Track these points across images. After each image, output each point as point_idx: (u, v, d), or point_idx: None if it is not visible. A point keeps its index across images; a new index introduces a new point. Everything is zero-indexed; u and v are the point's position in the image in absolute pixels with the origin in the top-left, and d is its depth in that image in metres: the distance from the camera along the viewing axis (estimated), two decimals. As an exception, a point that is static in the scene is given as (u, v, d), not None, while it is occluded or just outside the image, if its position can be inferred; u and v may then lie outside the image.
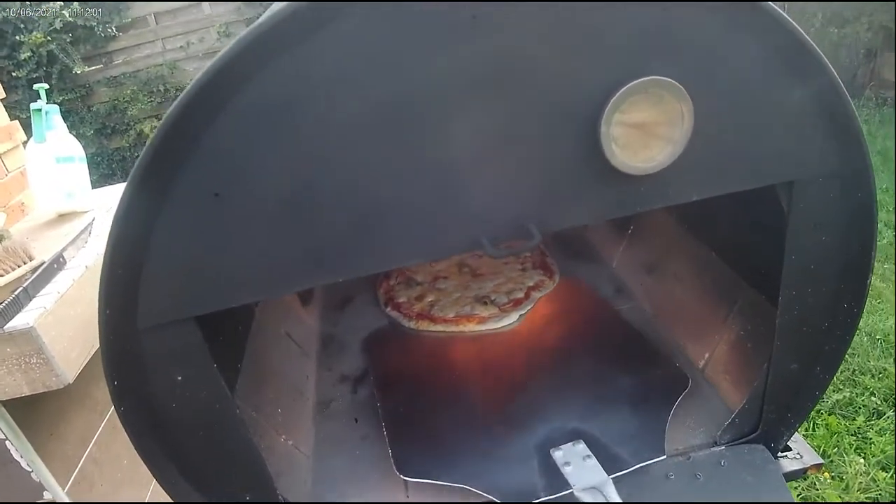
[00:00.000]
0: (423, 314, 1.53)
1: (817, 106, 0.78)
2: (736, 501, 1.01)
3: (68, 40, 5.67)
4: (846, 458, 2.35)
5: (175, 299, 0.74)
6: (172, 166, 0.68)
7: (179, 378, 0.81)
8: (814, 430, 2.53)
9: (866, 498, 2.24)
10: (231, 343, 1.08)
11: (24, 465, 1.83)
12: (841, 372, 2.79)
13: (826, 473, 2.39)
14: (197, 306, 0.74)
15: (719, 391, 1.18)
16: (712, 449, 1.08)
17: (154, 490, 2.56)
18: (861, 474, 2.29)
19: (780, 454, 1.10)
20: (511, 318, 1.49)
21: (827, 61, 0.75)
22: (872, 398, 2.65)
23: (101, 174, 6.08)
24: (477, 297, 1.55)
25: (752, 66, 0.76)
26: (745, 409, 1.06)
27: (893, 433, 2.42)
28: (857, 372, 2.82)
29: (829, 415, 2.59)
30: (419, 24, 0.68)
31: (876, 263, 3.34)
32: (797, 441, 1.13)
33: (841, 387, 2.76)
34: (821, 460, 1.10)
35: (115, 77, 6.21)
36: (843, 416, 2.60)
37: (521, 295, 1.55)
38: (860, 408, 2.61)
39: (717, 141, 0.78)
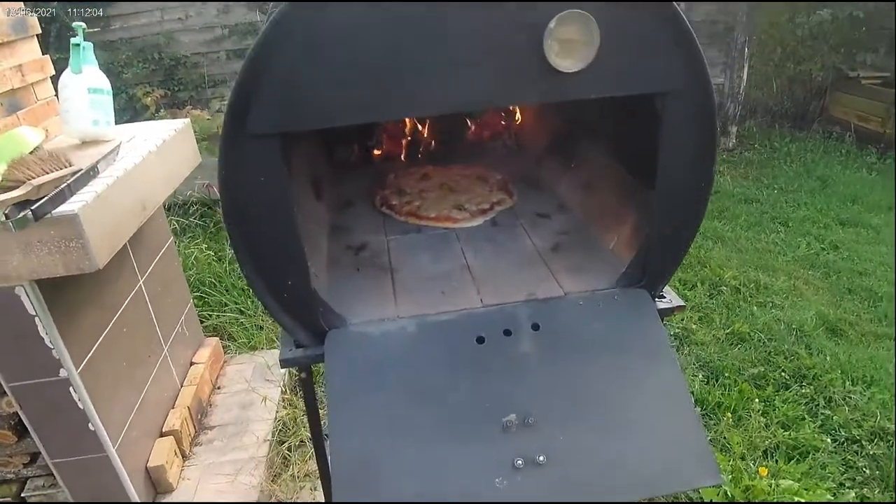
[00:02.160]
0: (411, 212, 1.99)
1: (675, 38, 1.27)
2: (622, 320, 1.50)
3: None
4: (752, 416, 2.86)
5: (277, 115, 1.18)
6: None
7: (262, 179, 1.25)
8: (728, 391, 3.03)
9: (764, 446, 2.78)
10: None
11: (47, 341, 2.02)
12: (758, 351, 3.35)
13: (729, 416, 2.92)
14: (292, 123, 1.19)
15: (621, 259, 1.67)
16: (610, 289, 1.57)
17: (146, 392, 2.87)
18: (762, 427, 2.82)
19: (657, 298, 1.59)
20: (478, 222, 1.97)
21: (682, 14, 1.25)
22: (782, 374, 3.18)
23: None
24: (454, 204, 2.02)
25: (640, 14, 1.24)
26: (634, 263, 1.56)
27: (796, 402, 2.93)
28: (772, 353, 3.35)
29: (744, 382, 3.08)
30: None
31: (799, 267, 3.92)
32: (669, 293, 1.62)
33: (756, 363, 3.29)
34: (683, 303, 1.59)
35: (111, 41, 6.44)
36: (757, 386, 3.10)
37: (487, 206, 2.02)
38: (770, 381, 3.12)
39: (614, 58, 1.26)
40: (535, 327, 1.47)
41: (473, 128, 2.56)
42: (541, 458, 1.30)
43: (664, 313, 1.56)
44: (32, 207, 1.54)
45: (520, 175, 2.27)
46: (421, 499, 1.24)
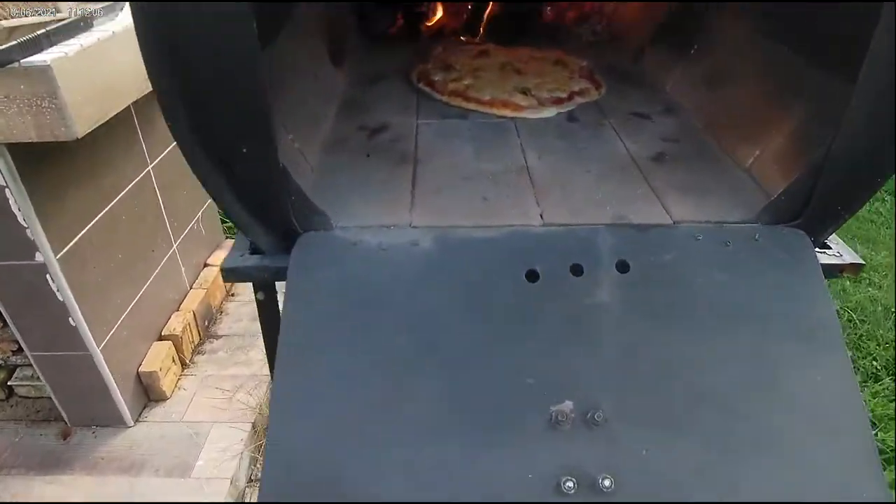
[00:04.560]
0: (457, 91, 1.43)
1: None
2: (765, 272, 0.93)
3: None
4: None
5: None
6: None
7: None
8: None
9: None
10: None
11: (20, 218, 1.79)
12: (848, 335, 2.85)
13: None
14: None
15: (764, 184, 1.08)
16: (748, 224, 0.99)
17: (145, 291, 2.55)
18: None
19: (818, 250, 1.01)
20: (549, 113, 1.39)
21: None
22: (874, 363, 2.71)
23: None
24: (517, 87, 1.44)
25: None
26: (793, 188, 0.96)
27: (888, 398, 2.47)
28: (864, 337, 2.87)
29: None
30: None
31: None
32: (838, 242, 1.04)
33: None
34: (861, 261, 1.00)
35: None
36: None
37: (563, 95, 1.44)
38: (859, 369, 2.65)
39: None
40: (623, 267, 0.92)
41: (552, 7, 1.93)
42: (605, 483, 0.77)
43: (829, 272, 0.98)
44: (-8, 50, 1.25)
45: (611, 67, 1.66)
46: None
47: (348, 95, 1.46)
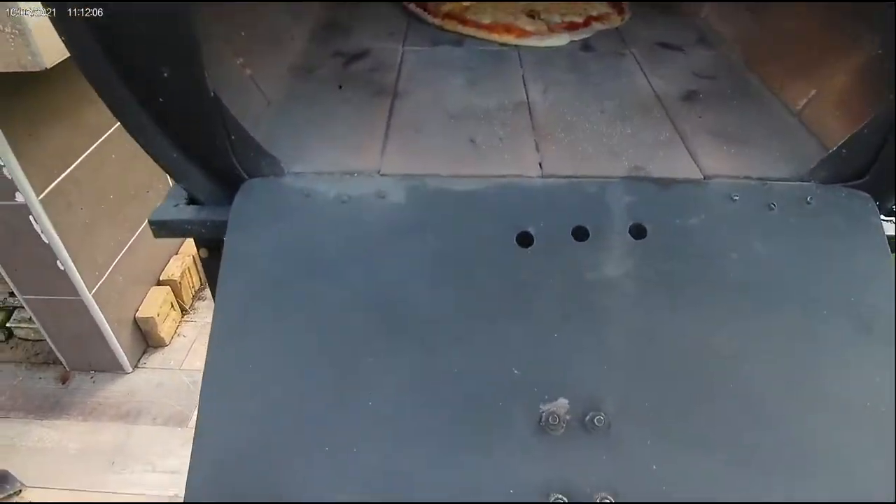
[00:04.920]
0: (452, 14, 1.21)
1: None
2: (817, 242, 0.74)
3: None
4: None
5: None
6: None
7: None
8: None
9: None
10: None
11: None
12: None
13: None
14: None
15: (820, 133, 0.88)
16: (799, 183, 0.80)
17: (140, 234, 2.43)
18: None
19: (885, 218, 0.82)
20: (560, 41, 1.17)
21: None
22: None
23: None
24: (524, 9, 1.22)
25: None
26: (859, 138, 0.76)
27: None
28: None
29: None
30: None
31: None
32: (908, 208, 0.84)
33: None
34: (939, 231, 0.81)
35: None
36: None
37: (578, 20, 1.22)
38: None
39: None
40: (638, 232, 0.74)
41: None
42: (606, 501, 0.62)
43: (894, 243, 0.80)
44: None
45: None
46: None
47: (327, 15, 1.25)
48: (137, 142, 0.73)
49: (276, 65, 1.00)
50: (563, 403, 0.66)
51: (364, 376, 0.67)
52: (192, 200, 0.81)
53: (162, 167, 0.76)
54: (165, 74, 0.67)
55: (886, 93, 0.75)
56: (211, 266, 0.87)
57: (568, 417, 0.66)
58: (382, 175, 0.78)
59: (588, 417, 0.65)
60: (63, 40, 0.66)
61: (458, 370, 0.68)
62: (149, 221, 0.78)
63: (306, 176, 0.78)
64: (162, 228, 0.78)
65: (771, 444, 0.65)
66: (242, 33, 0.89)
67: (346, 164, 0.80)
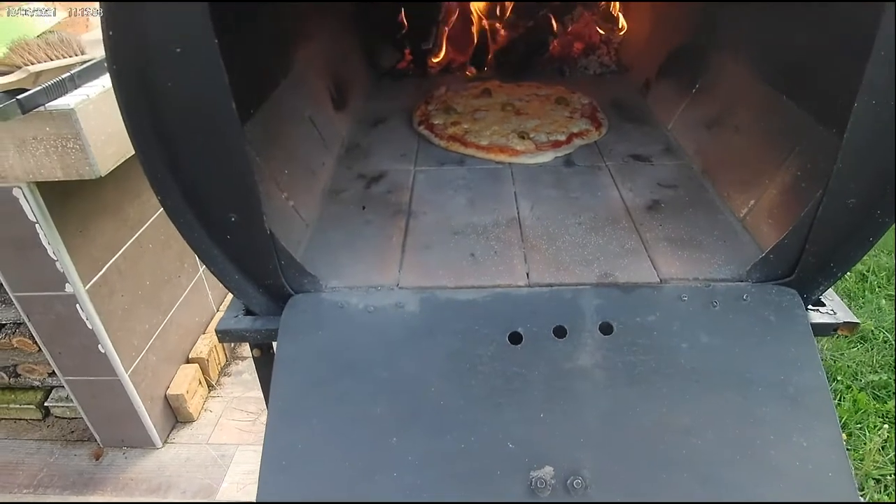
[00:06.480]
0: (455, 136, 1.44)
1: None
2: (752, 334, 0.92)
3: None
4: (867, 435, 2.29)
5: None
6: None
7: (178, 50, 0.75)
8: (840, 400, 2.46)
9: (878, 475, 2.15)
10: (246, 77, 1.02)
11: (49, 252, 1.87)
12: (882, 355, 2.71)
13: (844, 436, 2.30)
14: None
15: (757, 237, 1.07)
16: (736, 283, 0.98)
17: (172, 316, 2.61)
18: (877, 452, 2.22)
19: (811, 307, 0.99)
20: (546, 157, 1.39)
21: None
22: None
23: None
24: (516, 130, 1.45)
25: None
26: (783, 245, 0.95)
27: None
28: None
29: (860, 391, 2.49)
30: None
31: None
32: (832, 299, 1.02)
33: (879, 370, 2.66)
34: (856, 319, 0.98)
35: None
36: (875, 398, 2.50)
37: (562, 138, 1.44)
38: (894, 393, 2.52)
39: None
40: (606, 329, 0.92)
41: (560, 39, 1.94)
42: (585, 551, 0.78)
43: (822, 330, 0.97)
44: (20, 97, 1.33)
45: (616, 103, 1.66)
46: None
47: (350, 140, 1.49)
48: (209, 268, 0.94)
49: (312, 189, 1.23)
50: (548, 470, 0.83)
51: (389, 453, 0.85)
52: (248, 312, 1.01)
53: (226, 287, 0.97)
54: (233, 219, 0.89)
55: (800, 209, 0.95)
56: (262, 362, 1.06)
57: (553, 482, 0.82)
58: (401, 288, 0.99)
59: (569, 481, 0.82)
60: (159, 200, 0.87)
61: (464, 446, 0.85)
62: (215, 331, 0.98)
63: (340, 291, 0.98)
64: (225, 336, 0.98)
65: (720, 500, 0.81)
66: (286, 171, 1.12)
67: (371, 279, 1.01)
